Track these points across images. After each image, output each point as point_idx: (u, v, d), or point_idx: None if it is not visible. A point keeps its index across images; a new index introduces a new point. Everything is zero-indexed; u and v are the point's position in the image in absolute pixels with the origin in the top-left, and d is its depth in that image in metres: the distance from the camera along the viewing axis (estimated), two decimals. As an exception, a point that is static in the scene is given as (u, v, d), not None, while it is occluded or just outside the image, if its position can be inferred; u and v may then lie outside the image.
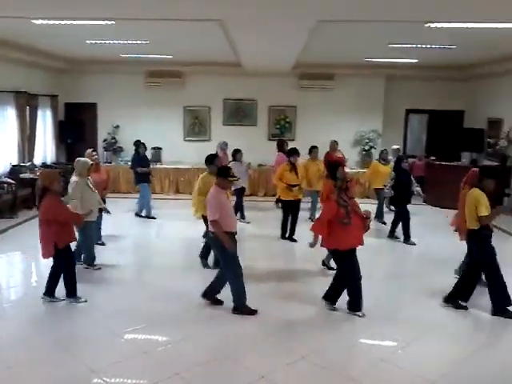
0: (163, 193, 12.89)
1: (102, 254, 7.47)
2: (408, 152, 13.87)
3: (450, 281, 6.44)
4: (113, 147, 13.51)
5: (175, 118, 13.73)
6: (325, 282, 5.90)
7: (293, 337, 5.16)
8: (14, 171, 10.83)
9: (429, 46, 9.45)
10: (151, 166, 11.06)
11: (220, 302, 5.80)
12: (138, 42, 9.48)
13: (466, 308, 5.78)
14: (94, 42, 9.61)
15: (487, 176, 5.70)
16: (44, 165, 12.33)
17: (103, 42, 9.60)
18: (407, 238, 8.77)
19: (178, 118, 13.78)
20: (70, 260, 5.84)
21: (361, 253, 5.67)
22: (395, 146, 11.34)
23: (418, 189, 8.97)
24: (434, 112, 13.85)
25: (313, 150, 10.00)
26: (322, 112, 13.47)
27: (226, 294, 5.72)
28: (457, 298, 5.86)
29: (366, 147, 13.39)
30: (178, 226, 9.83)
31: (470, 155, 12.52)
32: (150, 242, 9.20)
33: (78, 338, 5.10)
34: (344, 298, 5.69)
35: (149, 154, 12.89)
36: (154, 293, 6.28)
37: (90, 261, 7.03)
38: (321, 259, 7.17)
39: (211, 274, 6.06)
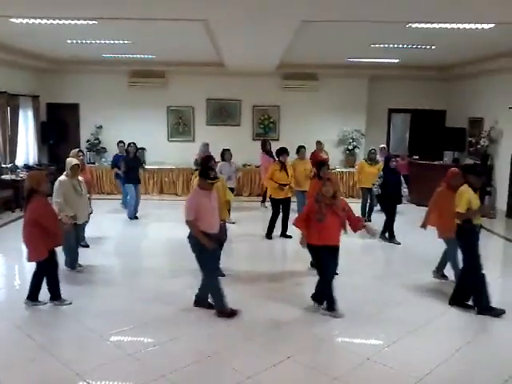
0: (147, 193, 12.82)
1: (86, 256, 7.42)
2: (391, 151, 13.98)
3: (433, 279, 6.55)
4: (96, 148, 13.41)
5: (159, 118, 13.67)
6: (313, 282, 5.92)
7: (279, 337, 5.18)
8: (-5, 173, 10.69)
9: (409, 46, 9.56)
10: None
11: (213, 306, 5.74)
12: (121, 41, 9.42)
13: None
14: (75, 41, 9.53)
15: (472, 173, 5.77)
16: (26, 166, 12.18)
17: (85, 41, 9.51)
18: (392, 237, 8.84)
19: (162, 118, 13.72)
20: (53, 263, 5.75)
21: (350, 252, 5.72)
22: (382, 145, 11.43)
23: (406, 190, 8.95)
24: (416, 111, 14.01)
25: (300, 149, 9.99)
26: (305, 112, 13.53)
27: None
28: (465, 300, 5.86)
29: (350, 147, 13.49)
30: (163, 227, 9.80)
31: (452, 154, 12.68)
32: (136, 243, 9.11)
33: (62, 340, 5.06)
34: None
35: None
36: (140, 294, 6.26)
37: (71, 263, 6.95)
38: (309, 258, 7.15)
39: (197, 275, 6.04)
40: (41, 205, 5.47)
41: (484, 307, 5.68)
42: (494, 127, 11.37)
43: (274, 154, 9.92)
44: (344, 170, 13.25)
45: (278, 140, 13.26)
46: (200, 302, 5.79)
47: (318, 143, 11.79)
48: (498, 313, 5.66)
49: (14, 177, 10.85)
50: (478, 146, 11.78)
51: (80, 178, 6.94)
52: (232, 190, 9.90)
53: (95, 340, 5.00)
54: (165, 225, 9.88)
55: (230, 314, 5.54)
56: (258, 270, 7.34)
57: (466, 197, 5.60)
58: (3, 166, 11.11)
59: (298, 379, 4.44)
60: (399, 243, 8.75)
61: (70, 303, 5.78)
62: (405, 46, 9.47)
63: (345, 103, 13.51)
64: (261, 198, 11.93)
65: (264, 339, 5.13)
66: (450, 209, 5.77)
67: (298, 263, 7.45)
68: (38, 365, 4.53)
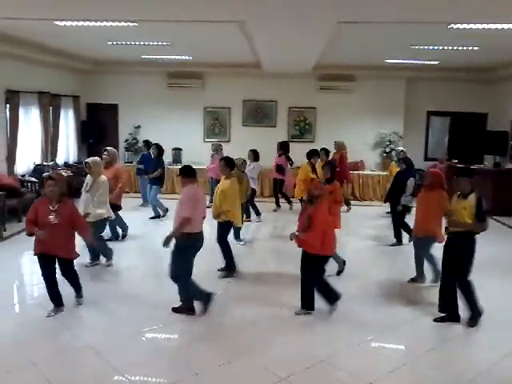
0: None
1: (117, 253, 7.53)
2: (429, 155, 13.75)
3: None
4: (134, 147, 13.65)
5: (195, 118, 13.80)
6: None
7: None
8: (38, 170, 10.99)
9: (451, 48, 9.34)
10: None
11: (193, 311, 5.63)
12: (160, 43, 9.55)
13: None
14: (115, 43, 9.72)
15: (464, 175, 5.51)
16: (66, 164, 12.51)
17: (125, 43, 9.70)
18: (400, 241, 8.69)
19: (198, 119, 13.85)
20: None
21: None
22: (400, 148, 11.10)
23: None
24: (456, 114, 13.67)
25: (320, 152, 10.09)
26: (342, 113, 13.41)
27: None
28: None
29: (387, 149, 13.29)
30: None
31: (494, 158, 12.34)
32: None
33: (99, 336, 5.12)
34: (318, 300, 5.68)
35: (169, 154, 13.05)
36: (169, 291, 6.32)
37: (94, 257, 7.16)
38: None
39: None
40: (74, 207, 5.61)
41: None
42: (539, 131, 11.00)
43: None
44: (381, 173, 13.06)
45: (313, 142, 13.21)
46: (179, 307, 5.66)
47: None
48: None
49: (54, 175, 11.14)
50: (521, 151, 11.43)
51: (103, 176, 7.09)
52: (254, 191, 9.99)
53: (131, 336, 5.08)
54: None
55: (189, 310, 5.54)
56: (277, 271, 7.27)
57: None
58: (45, 164, 11.44)
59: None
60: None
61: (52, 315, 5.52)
62: (446, 47, 9.27)
63: (382, 105, 13.32)
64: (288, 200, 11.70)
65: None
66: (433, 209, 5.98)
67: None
68: (73, 359, 4.64)
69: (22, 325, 5.31)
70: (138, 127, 13.75)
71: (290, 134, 13.81)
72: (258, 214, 10.29)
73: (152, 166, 10.60)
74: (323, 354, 4.75)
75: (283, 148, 11.48)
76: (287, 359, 4.68)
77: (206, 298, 5.59)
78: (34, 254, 5.43)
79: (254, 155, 10.36)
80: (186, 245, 5.42)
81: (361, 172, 13.12)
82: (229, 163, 6.91)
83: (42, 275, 5.50)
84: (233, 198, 6.82)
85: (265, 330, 5.33)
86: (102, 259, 7.26)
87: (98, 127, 13.78)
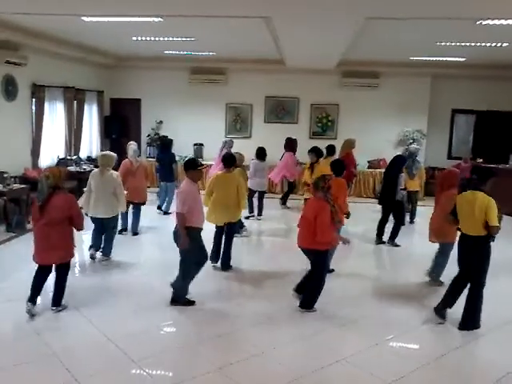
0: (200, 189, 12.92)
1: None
2: (453, 153, 13.54)
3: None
4: (156, 142, 13.73)
5: (217, 114, 13.83)
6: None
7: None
8: (61, 164, 11.13)
9: (478, 44, 9.17)
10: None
11: (192, 303, 5.69)
12: (184, 39, 9.58)
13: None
14: (140, 38, 9.78)
15: (491, 176, 5.28)
16: (89, 158, 12.64)
17: (149, 39, 9.75)
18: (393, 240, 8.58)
19: (220, 115, 13.87)
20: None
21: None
22: (414, 146, 10.92)
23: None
24: (481, 112, 13.43)
25: (334, 148, 10.08)
26: (365, 111, 13.29)
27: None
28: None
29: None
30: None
31: (520, 158, 12.10)
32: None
33: (119, 329, 5.17)
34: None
35: (191, 150, 13.07)
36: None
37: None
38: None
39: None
40: (72, 200, 5.34)
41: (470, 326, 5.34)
42: None
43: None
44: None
45: (335, 139, 13.08)
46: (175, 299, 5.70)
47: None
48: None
49: (78, 169, 11.27)
50: (549, 150, 11.18)
51: (113, 171, 7.17)
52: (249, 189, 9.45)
53: (149, 329, 5.11)
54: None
55: (188, 303, 5.62)
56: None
57: (496, 206, 5.06)
58: (68, 157, 11.58)
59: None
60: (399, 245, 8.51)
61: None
62: (473, 43, 9.10)
63: (406, 102, 13.16)
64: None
65: (328, 336, 5.08)
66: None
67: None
68: (99, 350, 4.70)
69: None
70: (161, 122, 13.83)
71: (312, 130, 13.74)
72: (250, 211, 10.13)
73: (166, 159, 10.22)
74: (341, 354, 4.72)
75: (286, 145, 11.29)
76: (302, 358, 4.68)
77: (185, 301, 5.64)
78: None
79: (256, 153, 10.13)
80: (191, 237, 5.47)
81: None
82: (227, 162, 7.03)
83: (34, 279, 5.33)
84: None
85: (279, 327, 5.32)
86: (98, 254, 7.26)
87: (121, 122, 13.92)
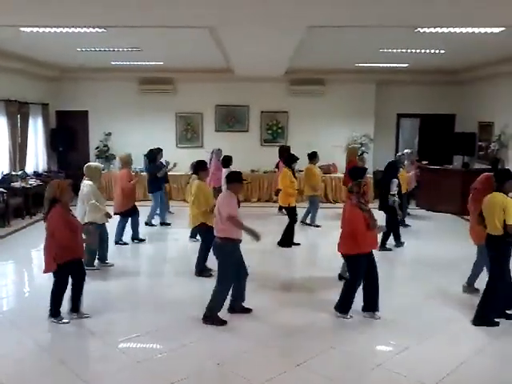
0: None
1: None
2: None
3: (445, 283, 6.49)
4: (105, 154, 13.47)
5: (167, 124, 13.71)
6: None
7: (290, 344, 5.13)
8: (6, 180, 10.74)
9: (419, 51, 9.52)
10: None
11: (248, 310, 5.77)
12: (130, 49, 9.47)
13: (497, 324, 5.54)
14: (84, 49, 9.59)
15: (509, 178, 5.45)
16: (36, 173, 12.26)
17: (94, 49, 9.58)
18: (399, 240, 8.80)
19: (171, 125, 13.76)
20: (79, 275, 5.61)
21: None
22: (407, 150, 11.23)
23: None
24: (425, 116, 13.92)
25: (316, 155, 10.20)
26: (314, 117, 13.50)
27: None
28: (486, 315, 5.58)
29: (359, 152, 13.40)
30: (169, 232, 9.80)
31: (462, 159, 12.59)
32: (146, 249, 8.99)
33: (71, 348, 5.03)
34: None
35: (141, 160, 12.90)
36: (148, 301, 6.28)
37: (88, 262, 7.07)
38: (337, 266, 6.96)
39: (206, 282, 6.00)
40: (57, 216, 5.28)
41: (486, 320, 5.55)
42: (504, 131, 11.27)
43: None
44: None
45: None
46: (233, 307, 5.76)
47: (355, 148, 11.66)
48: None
49: (23, 184, 10.90)
50: (488, 151, 11.69)
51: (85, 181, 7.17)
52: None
53: (103, 347, 4.99)
54: (171, 230, 9.97)
55: (221, 322, 5.49)
56: (279, 277, 7.30)
57: None
58: (13, 173, 11.19)
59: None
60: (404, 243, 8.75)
61: (89, 316, 5.64)
62: (414, 50, 9.44)
63: (353, 108, 13.47)
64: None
65: (274, 346, 5.10)
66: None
67: (327, 271, 7.30)
68: (45, 374, 4.53)
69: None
70: (109, 134, 13.57)
71: (263, 138, 13.84)
72: None
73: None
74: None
75: (280, 155, 11.22)
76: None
77: (218, 319, 5.53)
78: None
79: (225, 161, 10.10)
80: (231, 250, 5.54)
81: (333, 175, 13.23)
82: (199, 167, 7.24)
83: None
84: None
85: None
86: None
87: (67, 135, 13.56)
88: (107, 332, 5.34)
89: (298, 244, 8.88)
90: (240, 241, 5.59)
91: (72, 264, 5.46)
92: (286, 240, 8.83)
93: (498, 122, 11.63)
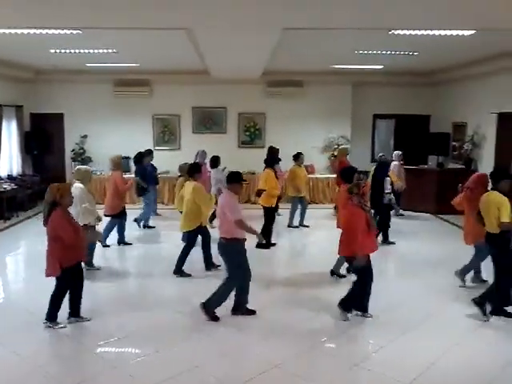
0: (131, 203, 12.65)
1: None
2: (376, 157, 14.06)
3: (428, 281, 6.59)
4: (81, 157, 13.31)
5: (144, 126, 13.62)
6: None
7: (271, 346, 5.13)
8: (-22, 184, 10.56)
9: (393, 53, 9.65)
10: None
11: (253, 312, 5.79)
12: (105, 50, 9.39)
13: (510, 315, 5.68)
14: (58, 51, 9.48)
15: (504, 177, 5.64)
16: (10, 177, 12.05)
17: (68, 51, 9.47)
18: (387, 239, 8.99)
19: (147, 127, 13.67)
20: (78, 279, 5.54)
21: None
22: (397, 152, 11.41)
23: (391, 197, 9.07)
24: (400, 117, 14.11)
25: (300, 155, 10.26)
26: (291, 118, 13.56)
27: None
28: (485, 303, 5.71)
29: (336, 153, 13.53)
30: (149, 233, 9.75)
31: (437, 158, 12.79)
32: (132, 252, 8.86)
33: (47, 353, 4.97)
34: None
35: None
36: (128, 302, 6.25)
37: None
38: (327, 265, 7.09)
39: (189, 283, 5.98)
40: (59, 218, 5.21)
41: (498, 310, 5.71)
42: (477, 132, 11.51)
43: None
44: (330, 175, 13.29)
45: (263, 147, 13.27)
46: (237, 309, 5.79)
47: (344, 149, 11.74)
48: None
49: (-3, 187, 10.72)
50: (462, 151, 11.91)
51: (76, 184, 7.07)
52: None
53: (80, 352, 4.94)
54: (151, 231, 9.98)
55: (214, 317, 5.60)
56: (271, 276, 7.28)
57: (508, 203, 5.45)
58: (-14, 177, 11.00)
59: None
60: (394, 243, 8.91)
61: (89, 320, 5.57)
62: (388, 52, 9.57)
63: (330, 109, 13.58)
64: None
65: (256, 347, 5.11)
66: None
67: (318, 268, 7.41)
68: (24, 380, 4.46)
69: None
70: (85, 137, 13.43)
71: (241, 139, 13.86)
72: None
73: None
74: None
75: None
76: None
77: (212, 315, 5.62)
78: None
79: (212, 161, 10.14)
80: (237, 249, 5.64)
81: (311, 176, 13.30)
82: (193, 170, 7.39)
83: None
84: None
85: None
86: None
87: (42, 138, 13.35)
88: (83, 335, 5.29)
89: (274, 244, 8.92)
90: (245, 239, 5.63)
91: (75, 267, 5.43)
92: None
93: (470, 122, 11.88)
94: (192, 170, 7.33)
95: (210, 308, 5.59)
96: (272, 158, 9.41)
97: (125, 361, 4.79)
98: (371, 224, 5.51)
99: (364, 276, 5.63)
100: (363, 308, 5.74)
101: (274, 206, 9.00)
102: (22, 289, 6.92)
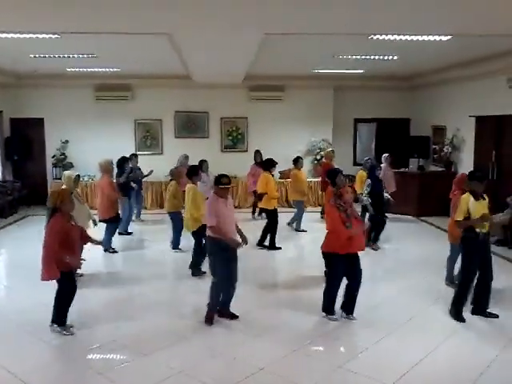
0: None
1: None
2: (358, 160, 14.21)
3: (412, 282, 6.67)
4: (62, 163, 13.17)
5: (126, 131, 13.55)
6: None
7: (257, 348, 5.15)
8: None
9: (373, 57, 9.76)
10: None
11: (235, 317, 5.80)
12: (85, 55, 9.33)
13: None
14: (38, 56, 9.39)
15: (473, 179, 5.77)
16: (-11, 183, 11.90)
17: (48, 56, 9.39)
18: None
19: (129, 132, 13.61)
20: (73, 285, 5.50)
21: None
22: (386, 155, 11.50)
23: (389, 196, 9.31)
24: (381, 120, 14.27)
25: (299, 160, 10.38)
26: (273, 123, 13.63)
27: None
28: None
29: (318, 156, 13.62)
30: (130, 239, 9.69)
31: (417, 161, 12.94)
32: (117, 259, 8.79)
33: (29, 361, 4.90)
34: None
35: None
36: (115, 308, 6.22)
37: None
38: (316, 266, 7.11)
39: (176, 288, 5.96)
40: (52, 223, 5.20)
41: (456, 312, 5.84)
42: (456, 135, 11.69)
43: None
44: (313, 179, 13.36)
45: (246, 151, 13.33)
46: (220, 311, 5.83)
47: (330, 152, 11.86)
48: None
49: (-24, 194, 10.58)
50: (442, 154, 12.08)
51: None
52: None
53: (66, 359, 4.89)
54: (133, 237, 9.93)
55: (210, 321, 5.67)
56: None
57: (464, 205, 5.62)
58: (-35, 183, 10.83)
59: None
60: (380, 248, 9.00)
61: (72, 334, 5.42)
62: (368, 56, 9.67)
63: (312, 113, 13.67)
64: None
65: (243, 351, 5.11)
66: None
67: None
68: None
69: None
70: (66, 142, 13.29)
71: (224, 144, 13.87)
72: None
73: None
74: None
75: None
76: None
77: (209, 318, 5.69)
78: None
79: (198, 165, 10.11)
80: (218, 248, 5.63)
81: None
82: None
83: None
84: None
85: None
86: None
87: (23, 143, 13.19)
88: (68, 342, 5.24)
89: (280, 248, 9.01)
90: (224, 240, 5.55)
91: (70, 274, 5.39)
92: (268, 241, 9.00)
93: (449, 125, 12.06)
94: (190, 173, 7.60)
95: (209, 311, 5.69)
96: (268, 162, 9.47)
97: (110, 367, 4.74)
98: (347, 223, 5.59)
99: (329, 277, 5.83)
100: (325, 309, 5.84)
101: (275, 207, 9.11)
102: (2, 297, 6.82)
